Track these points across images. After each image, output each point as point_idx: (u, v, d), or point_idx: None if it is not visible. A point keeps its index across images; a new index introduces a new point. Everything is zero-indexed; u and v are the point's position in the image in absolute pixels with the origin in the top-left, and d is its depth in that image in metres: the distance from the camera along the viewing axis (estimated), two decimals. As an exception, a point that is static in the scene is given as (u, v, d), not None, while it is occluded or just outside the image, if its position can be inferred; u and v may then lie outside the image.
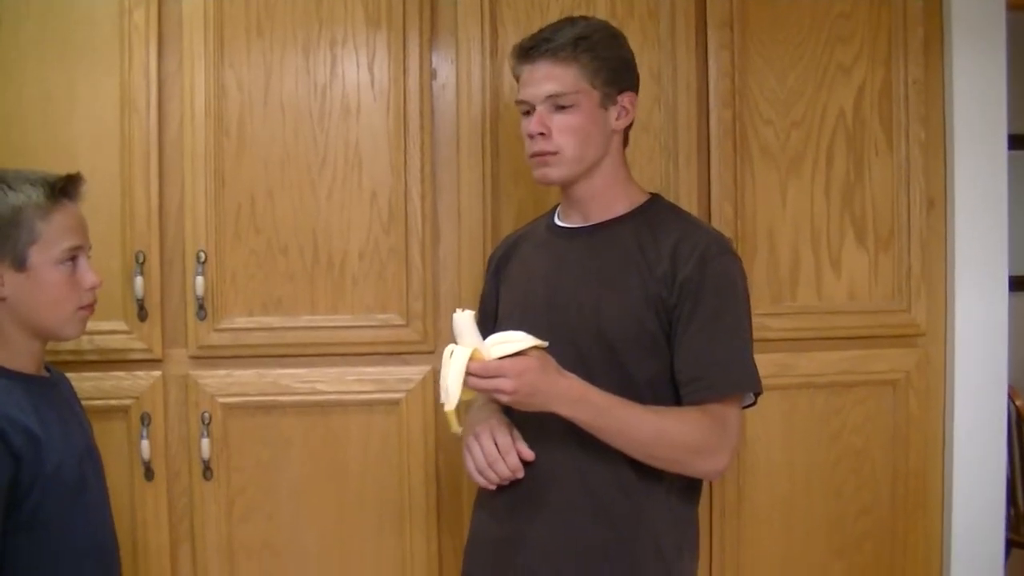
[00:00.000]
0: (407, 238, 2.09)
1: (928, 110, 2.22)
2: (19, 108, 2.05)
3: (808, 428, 2.21)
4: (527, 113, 1.68)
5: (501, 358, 1.48)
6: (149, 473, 2.06)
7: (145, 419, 2.05)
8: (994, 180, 2.24)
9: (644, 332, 1.62)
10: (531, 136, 1.66)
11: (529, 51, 1.66)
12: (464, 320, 1.50)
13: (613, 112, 1.68)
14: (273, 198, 2.09)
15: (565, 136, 1.64)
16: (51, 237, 1.58)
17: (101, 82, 2.06)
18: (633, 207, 1.72)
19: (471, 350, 1.48)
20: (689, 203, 2.14)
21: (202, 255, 2.06)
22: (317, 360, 2.09)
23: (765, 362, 2.08)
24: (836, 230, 2.21)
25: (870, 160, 2.21)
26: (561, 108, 1.64)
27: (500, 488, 1.66)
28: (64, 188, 1.61)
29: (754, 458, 2.19)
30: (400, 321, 2.08)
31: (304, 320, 2.09)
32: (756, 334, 2.07)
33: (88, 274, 1.64)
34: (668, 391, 1.63)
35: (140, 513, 2.07)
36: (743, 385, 1.64)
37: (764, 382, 1.94)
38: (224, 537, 2.09)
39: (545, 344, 1.52)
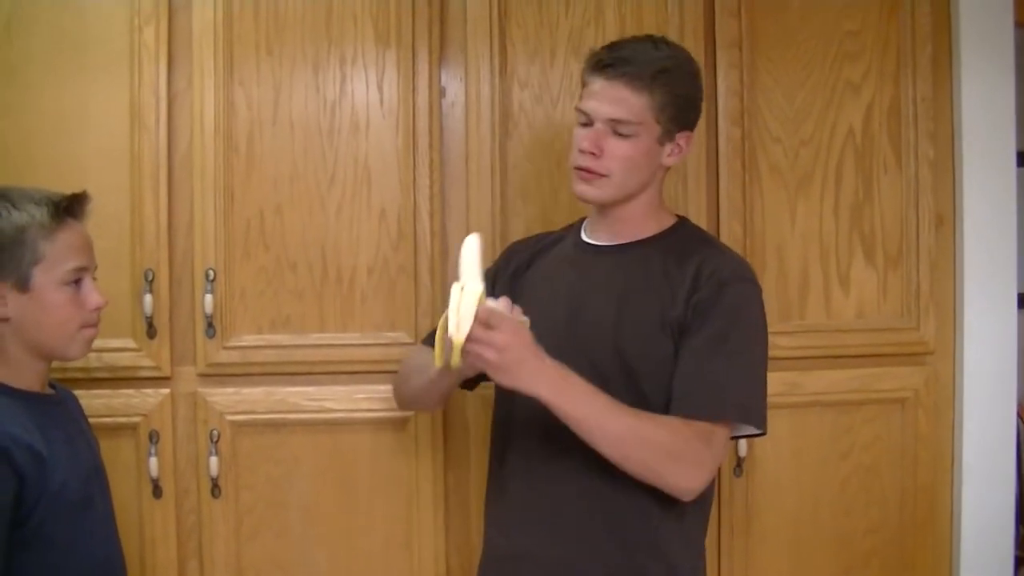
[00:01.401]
0: (416, 255, 2.09)
1: (937, 127, 2.22)
2: (30, 124, 2.05)
3: (817, 446, 2.20)
4: (584, 124, 1.66)
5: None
6: (157, 491, 2.06)
7: (154, 436, 2.05)
8: (1003, 197, 2.24)
9: (662, 354, 1.62)
10: (582, 151, 1.64)
11: (607, 67, 1.62)
12: (473, 248, 1.49)
13: (668, 148, 1.68)
14: (282, 215, 2.09)
15: (616, 162, 1.63)
16: (55, 257, 1.58)
17: (111, 99, 2.06)
18: (661, 229, 1.73)
19: (481, 291, 1.47)
20: (698, 221, 2.10)
21: (211, 272, 2.06)
22: (326, 378, 2.08)
23: (774, 380, 2.08)
24: (845, 248, 2.21)
25: (879, 178, 2.21)
26: (620, 134, 1.62)
27: (511, 505, 1.65)
28: (69, 207, 1.61)
29: (763, 476, 2.19)
30: (409, 339, 2.08)
31: (313, 338, 2.09)
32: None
33: (92, 295, 1.63)
34: None
35: (148, 530, 2.06)
36: (735, 414, 1.61)
37: (773, 400, 1.91)
38: (233, 555, 2.09)
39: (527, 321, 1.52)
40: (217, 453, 2.06)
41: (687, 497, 1.59)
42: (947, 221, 2.25)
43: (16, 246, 1.55)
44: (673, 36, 2.12)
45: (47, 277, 1.57)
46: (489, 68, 2.11)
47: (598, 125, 1.63)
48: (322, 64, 2.10)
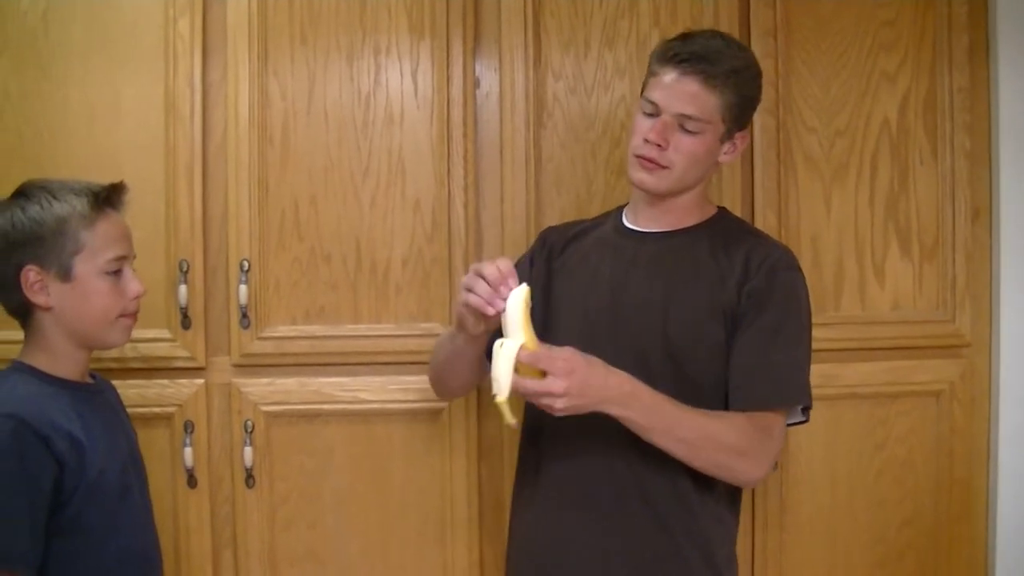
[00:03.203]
0: (450, 247, 2.09)
1: (973, 119, 2.20)
2: (65, 116, 2.06)
3: (852, 439, 2.19)
4: (650, 114, 1.65)
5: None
6: (192, 480, 2.06)
7: (188, 427, 2.06)
8: (1041, 189, 2.22)
9: (710, 339, 1.65)
10: (648, 141, 1.64)
11: (682, 61, 1.62)
12: (519, 300, 1.48)
13: (726, 146, 1.70)
14: (316, 206, 2.09)
15: (680, 156, 1.64)
16: (96, 247, 1.59)
17: (146, 90, 2.07)
18: (704, 218, 1.76)
19: (520, 342, 1.46)
20: (732, 210, 2.10)
21: (245, 263, 2.06)
22: (360, 369, 2.08)
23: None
24: (880, 240, 2.19)
25: (915, 169, 2.20)
26: (687, 130, 1.63)
27: (546, 487, 1.67)
28: (108, 197, 1.62)
29: (797, 468, 2.18)
30: (443, 330, 2.07)
31: (347, 329, 2.09)
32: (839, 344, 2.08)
33: (132, 283, 1.64)
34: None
35: (183, 520, 2.07)
36: (793, 398, 1.66)
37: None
38: (266, 545, 2.09)
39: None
40: (251, 443, 2.06)
41: (752, 486, 1.67)
42: (983, 213, 2.23)
43: (58, 236, 1.56)
44: (708, 25, 2.12)
45: (88, 266, 1.59)
46: (523, 58, 2.11)
47: (666, 117, 1.63)
48: (356, 55, 2.10)
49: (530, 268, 1.82)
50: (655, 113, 1.64)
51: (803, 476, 2.18)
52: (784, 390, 1.64)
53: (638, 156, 1.66)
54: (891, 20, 2.19)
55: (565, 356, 1.47)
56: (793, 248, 2.10)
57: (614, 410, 1.51)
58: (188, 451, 2.05)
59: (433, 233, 2.10)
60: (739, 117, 1.67)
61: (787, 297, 1.65)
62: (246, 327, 2.07)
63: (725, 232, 1.73)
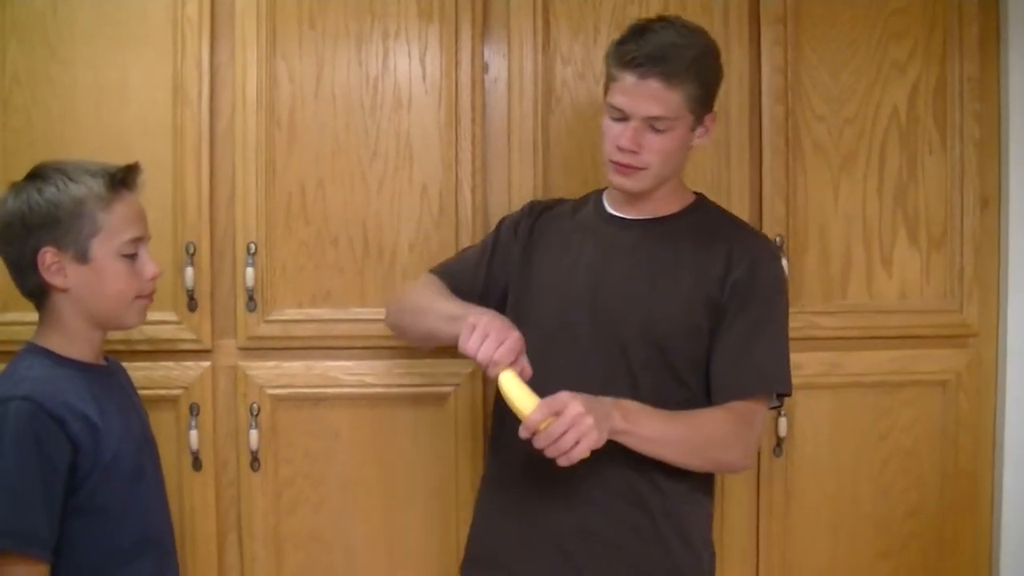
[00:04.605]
0: (457, 232, 2.09)
1: (983, 108, 2.19)
2: (73, 98, 2.06)
3: (856, 428, 2.19)
4: (617, 119, 1.65)
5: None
6: (197, 463, 2.06)
7: (194, 409, 2.06)
8: (1050, 179, 2.21)
9: (693, 328, 1.66)
10: (621, 148, 1.64)
11: (639, 65, 1.60)
12: (509, 385, 1.51)
13: (698, 132, 1.70)
14: (324, 190, 2.09)
15: (655, 156, 1.65)
16: (113, 228, 1.58)
17: (153, 72, 2.06)
18: (684, 206, 1.77)
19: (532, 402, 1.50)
20: (740, 199, 2.13)
21: (252, 246, 2.06)
22: (366, 353, 2.08)
23: (814, 361, 2.13)
24: (888, 228, 2.19)
25: (923, 158, 2.19)
26: (657, 129, 1.63)
27: (526, 476, 1.67)
28: (124, 179, 1.61)
29: (801, 457, 2.18)
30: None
31: (353, 312, 2.09)
32: (806, 332, 2.12)
33: (149, 264, 1.64)
34: (705, 383, 1.68)
35: (188, 502, 2.07)
36: (775, 387, 1.70)
37: (813, 380, 2.12)
38: (271, 528, 2.10)
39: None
40: (257, 426, 2.06)
41: (739, 472, 1.76)
42: (992, 203, 2.22)
43: (74, 218, 1.56)
44: (718, 13, 2.13)
45: (105, 248, 1.58)
46: (532, 44, 2.10)
47: (634, 123, 1.62)
48: (365, 38, 2.09)
49: (512, 243, 1.83)
50: (623, 118, 1.64)
51: (807, 464, 2.18)
52: (767, 379, 1.68)
53: (614, 162, 1.67)
54: (901, 8, 2.18)
55: (561, 396, 1.48)
56: (800, 236, 2.14)
57: (618, 424, 1.52)
58: (193, 434, 2.05)
59: (440, 218, 2.10)
60: (706, 103, 1.67)
61: (769, 289, 1.69)
62: (252, 310, 2.07)
63: (706, 221, 1.75)
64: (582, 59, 2.12)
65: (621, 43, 1.65)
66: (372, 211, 2.09)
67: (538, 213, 1.86)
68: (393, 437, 2.10)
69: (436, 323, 1.70)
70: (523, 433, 1.49)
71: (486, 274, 1.85)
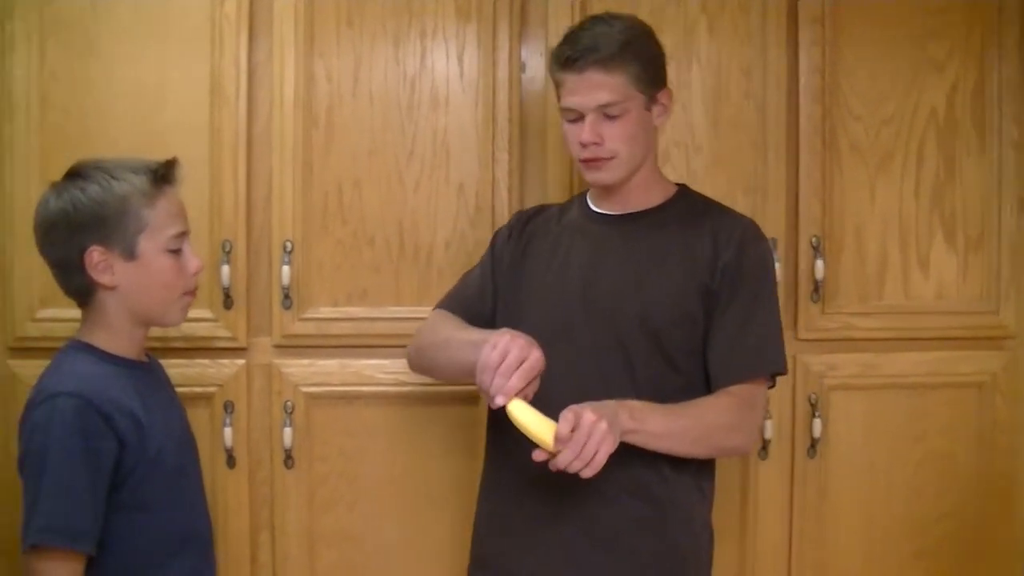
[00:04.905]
0: (493, 231, 2.08)
1: (1022, 109, 2.18)
2: (112, 97, 2.07)
3: (891, 429, 2.18)
4: (573, 121, 1.69)
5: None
6: (231, 460, 2.07)
7: (228, 407, 2.06)
8: (1088, 181, 2.20)
9: (687, 316, 1.68)
10: (584, 144, 1.68)
11: (575, 61, 1.65)
12: (520, 412, 1.50)
13: (655, 111, 1.73)
14: (360, 189, 2.09)
15: (618, 142, 1.68)
16: (158, 224, 1.59)
17: (191, 72, 2.07)
18: (667, 197, 1.80)
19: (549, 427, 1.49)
20: (777, 199, 2.12)
21: (288, 245, 2.06)
22: (401, 351, 2.04)
23: (850, 362, 2.13)
24: (925, 230, 2.18)
25: (961, 159, 2.18)
26: (612, 116, 1.66)
27: (524, 471, 1.64)
28: (165, 174, 1.62)
29: (836, 458, 2.17)
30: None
31: (389, 311, 2.09)
32: (842, 333, 2.11)
33: (192, 259, 1.65)
34: (703, 371, 1.70)
35: (221, 500, 2.07)
36: (770, 367, 1.72)
37: (849, 381, 2.14)
38: (304, 526, 2.10)
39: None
40: (291, 424, 2.07)
41: (745, 454, 1.81)
42: (1030, 205, 2.21)
43: (121, 215, 1.56)
44: (755, 12, 2.12)
45: (151, 244, 1.59)
46: (569, 43, 2.09)
47: (590, 117, 1.66)
48: (402, 37, 2.09)
49: (504, 247, 1.85)
50: (578, 118, 1.68)
51: (842, 465, 2.17)
52: (763, 361, 1.70)
53: (583, 160, 1.71)
54: (941, 9, 2.16)
55: (570, 411, 1.48)
56: (836, 236, 2.13)
57: (627, 423, 1.53)
58: (228, 431, 2.06)
59: (476, 217, 2.10)
60: (653, 79, 1.70)
61: (758, 269, 1.71)
62: (288, 308, 2.07)
63: (690, 209, 1.77)
64: (619, 58, 2.11)
65: (557, 49, 1.71)
66: (408, 210, 2.10)
67: (526, 220, 1.88)
68: (427, 436, 2.10)
69: (460, 352, 1.68)
70: (541, 456, 1.49)
71: (493, 288, 1.86)
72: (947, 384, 2.19)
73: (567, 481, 1.62)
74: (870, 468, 2.18)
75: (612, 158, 1.69)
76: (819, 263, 2.11)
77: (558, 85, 1.71)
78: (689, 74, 2.12)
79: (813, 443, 2.14)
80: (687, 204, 1.79)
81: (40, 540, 1.44)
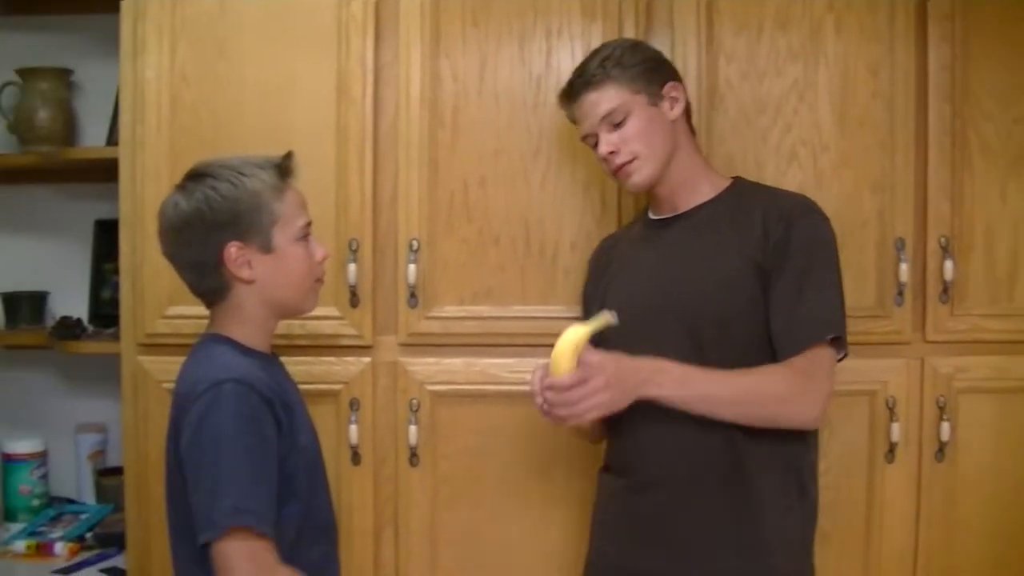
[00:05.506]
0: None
1: None
2: (240, 96, 2.10)
3: (1022, 434, 2.13)
4: (595, 146, 1.81)
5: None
6: (356, 457, 2.09)
7: (354, 404, 2.08)
8: None
9: (750, 300, 1.71)
10: (605, 159, 1.79)
11: (570, 93, 1.81)
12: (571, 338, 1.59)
13: (665, 105, 1.79)
14: (486, 187, 2.10)
15: (632, 142, 1.76)
16: (288, 216, 1.62)
17: (318, 72, 2.10)
18: (719, 190, 1.83)
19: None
20: (905, 199, 2.09)
21: (415, 243, 2.07)
22: (526, 350, 2.07)
23: (980, 364, 2.09)
24: (1058, 231, 2.13)
25: (1097, 160, 2.13)
26: (617, 124, 1.76)
27: (638, 473, 1.79)
28: (287, 167, 1.65)
29: (965, 463, 2.12)
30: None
31: (514, 310, 2.09)
32: (971, 335, 2.07)
33: (319, 248, 1.69)
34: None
35: (346, 496, 2.09)
36: (826, 332, 1.68)
37: (978, 384, 2.10)
38: (427, 523, 2.11)
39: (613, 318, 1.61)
40: (416, 422, 2.08)
41: (811, 427, 1.73)
42: None
43: (255, 210, 1.59)
44: (883, 10, 2.10)
45: (284, 236, 1.62)
46: (696, 42, 2.09)
47: (600, 132, 1.78)
48: (527, 37, 2.10)
49: (589, 285, 1.99)
50: (595, 138, 1.80)
51: (970, 470, 2.12)
52: (818, 328, 1.68)
53: (613, 173, 1.81)
54: (1076, 3, 2.12)
55: (595, 358, 1.57)
56: (966, 237, 2.10)
57: (651, 390, 1.60)
58: (353, 428, 2.08)
59: (602, 217, 2.09)
60: (650, 78, 1.78)
61: (807, 242, 1.71)
62: (414, 307, 2.08)
63: (741, 196, 1.81)
64: (745, 57, 2.10)
65: (561, 93, 1.87)
66: (534, 209, 2.10)
67: (606, 246, 1.99)
68: (551, 436, 2.09)
69: None
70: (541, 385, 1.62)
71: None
72: (1081, 388, 2.13)
73: (680, 485, 1.72)
74: (999, 473, 2.13)
75: (634, 159, 1.77)
76: (948, 264, 2.08)
77: (572, 121, 1.87)
78: (816, 73, 2.10)
79: (941, 447, 2.10)
80: (740, 193, 1.83)
81: (233, 522, 1.44)
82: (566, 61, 2.09)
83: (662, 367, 1.62)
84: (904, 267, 2.07)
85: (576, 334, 1.58)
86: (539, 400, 1.63)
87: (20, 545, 2.32)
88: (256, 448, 1.49)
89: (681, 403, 1.63)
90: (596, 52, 1.83)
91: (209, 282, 1.62)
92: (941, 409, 2.09)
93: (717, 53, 2.10)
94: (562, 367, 1.57)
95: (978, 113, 2.11)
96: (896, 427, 2.08)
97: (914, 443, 2.11)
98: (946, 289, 2.09)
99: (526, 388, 2.01)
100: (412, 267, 2.07)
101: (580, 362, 1.56)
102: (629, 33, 2.07)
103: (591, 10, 2.09)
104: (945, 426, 2.09)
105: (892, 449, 2.10)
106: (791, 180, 2.06)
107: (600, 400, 1.56)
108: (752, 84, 2.10)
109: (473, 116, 2.10)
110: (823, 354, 1.68)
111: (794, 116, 2.09)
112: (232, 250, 1.58)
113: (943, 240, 2.09)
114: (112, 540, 2.32)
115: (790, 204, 1.76)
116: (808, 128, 2.10)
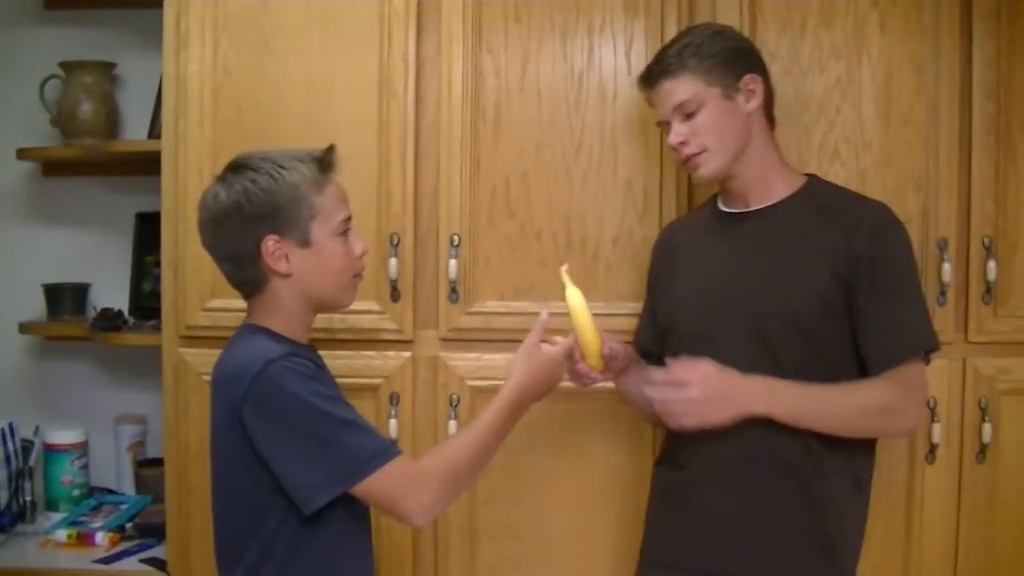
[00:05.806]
0: (661, 227, 2.07)
1: None
2: (282, 91, 2.12)
3: (1064, 436, 2.12)
4: (667, 131, 1.81)
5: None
6: (395, 452, 2.09)
7: (394, 399, 2.09)
8: None
9: (827, 306, 1.70)
10: (675, 148, 1.78)
11: (648, 78, 1.80)
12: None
13: (741, 98, 1.77)
14: (527, 183, 2.10)
15: (703, 135, 1.75)
16: (328, 210, 1.62)
17: (360, 66, 2.10)
18: (795, 188, 1.81)
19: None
20: (948, 198, 2.07)
21: (456, 238, 2.08)
22: (566, 346, 2.08)
23: (1019, 365, 2.05)
24: (1102, 230, 2.11)
25: None
26: (690, 115, 1.75)
27: (696, 469, 1.79)
28: (329, 161, 1.65)
29: (1006, 464, 2.10)
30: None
31: (555, 306, 2.06)
32: (1014, 336, 2.06)
33: (358, 243, 1.68)
34: (852, 359, 1.72)
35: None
36: (920, 347, 1.74)
37: (1020, 386, 2.10)
38: (466, 518, 2.12)
39: None
40: (456, 417, 2.08)
41: (909, 435, 1.84)
42: None
43: (294, 204, 1.59)
44: (928, 7, 2.09)
45: (323, 230, 1.62)
46: (739, 39, 2.08)
47: (672, 121, 1.77)
48: (570, 33, 2.10)
49: (653, 272, 1.98)
50: (668, 127, 1.79)
51: (1012, 471, 2.10)
52: (911, 342, 1.72)
53: (683, 162, 1.81)
54: (1124, 0, 2.10)
55: (697, 368, 1.62)
56: (1011, 237, 2.08)
57: (760, 407, 1.63)
58: (393, 423, 2.08)
59: (644, 213, 2.09)
60: (728, 70, 1.75)
61: (896, 255, 1.72)
62: (455, 301, 2.09)
63: (818, 198, 1.79)
64: (788, 55, 2.09)
65: (639, 78, 1.86)
66: (576, 204, 2.10)
67: (667, 237, 1.98)
68: (589, 432, 2.10)
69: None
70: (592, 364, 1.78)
71: (652, 310, 1.97)
72: (1125, 390, 2.11)
73: (736, 481, 1.72)
74: (1040, 475, 2.12)
75: (703, 151, 1.76)
76: (991, 264, 2.06)
77: (649, 104, 1.85)
78: (859, 70, 2.08)
79: (982, 448, 2.08)
80: (816, 194, 1.81)
81: (379, 462, 1.51)
82: (608, 57, 2.09)
83: (773, 387, 1.65)
84: (947, 267, 2.05)
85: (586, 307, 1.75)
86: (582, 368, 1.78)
87: (61, 534, 2.34)
88: (338, 400, 1.55)
89: (789, 419, 1.65)
90: (678, 38, 1.82)
91: (246, 274, 1.63)
92: (983, 410, 2.07)
93: (760, 50, 2.08)
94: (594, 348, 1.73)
95: (1023, 111, 2.09)
96: (937, 428, 2.07)
97: (955, 444, 2.09)
98: (989, 290, 2.07)
99: (566, 384, 2.03)
100: (453, 262, 2.07)
101: (685, 365, 1.64)
102: (671, 30, 2.06)
103: (634, 6, 2.09)
104: (987, 427, 2.08)
105: (933, 450, 2.08)
106: (833, 178, 2.03)
107: (694, 411, 1.62)
108: (795, 81, 2.09)
109: (515, 112, 2.10)
110: (918, 367, 1.74)
111: (837, 114, 2.08)
112: (270, 243, 1.59)
113: (986, 240, 2.07)
114: (152, 531, 2.34)
115: (872, 214, 1.75)
116: (851, 126, 2.09)
